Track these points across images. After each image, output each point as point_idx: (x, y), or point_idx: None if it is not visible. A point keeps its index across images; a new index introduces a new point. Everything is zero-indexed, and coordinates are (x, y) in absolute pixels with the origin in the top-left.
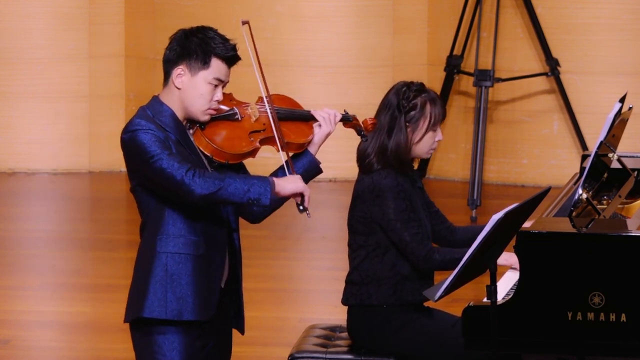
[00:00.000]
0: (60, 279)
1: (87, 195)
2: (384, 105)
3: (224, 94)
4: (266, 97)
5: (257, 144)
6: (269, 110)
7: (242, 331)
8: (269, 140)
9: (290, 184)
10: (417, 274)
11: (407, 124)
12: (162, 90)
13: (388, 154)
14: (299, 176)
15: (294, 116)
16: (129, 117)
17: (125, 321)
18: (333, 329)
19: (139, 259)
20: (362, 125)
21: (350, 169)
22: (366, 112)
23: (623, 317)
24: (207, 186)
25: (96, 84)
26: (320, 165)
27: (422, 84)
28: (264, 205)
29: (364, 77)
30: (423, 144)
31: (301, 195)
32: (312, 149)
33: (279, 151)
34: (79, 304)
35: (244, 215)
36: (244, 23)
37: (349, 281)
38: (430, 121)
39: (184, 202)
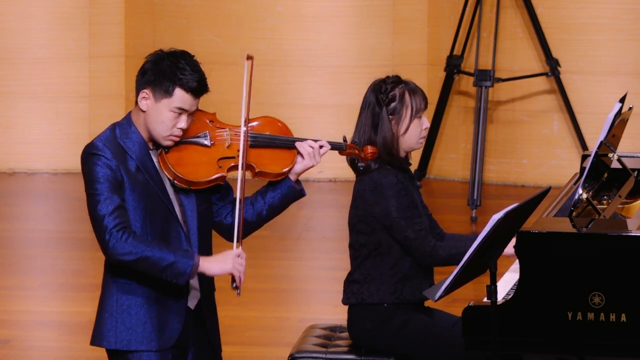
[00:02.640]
0: (60, 279)
1: None
2: (364, 105)
3: (205, 113)
4: (244, 123)
5: (225, 172)
6: (241, 138)
7: (216, 349)
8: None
9: (217, 264)
10: (418, 272)
11: (390, 116)
12: (134, 106)
13: (379, 150)
14: (233, 252)
15: (275, 144)
16: None
17: (90, 344)
18: (333, 329)
19: (101, 286)
20: (362, 154)
21: (350, 169)
22: None
23: (623, 317)
24: (126, 253)
25: (96, 84)
26: (303, 190)
27: (397, 77)
28: (179, 285)
29: (364, 77)
30: (410, 134)
31: (231, 274)
32: (292, 176)
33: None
34: (79, 304)
35: (224, 234)
36: (248, 58)
37: (350, 280)
38: (412, 109)
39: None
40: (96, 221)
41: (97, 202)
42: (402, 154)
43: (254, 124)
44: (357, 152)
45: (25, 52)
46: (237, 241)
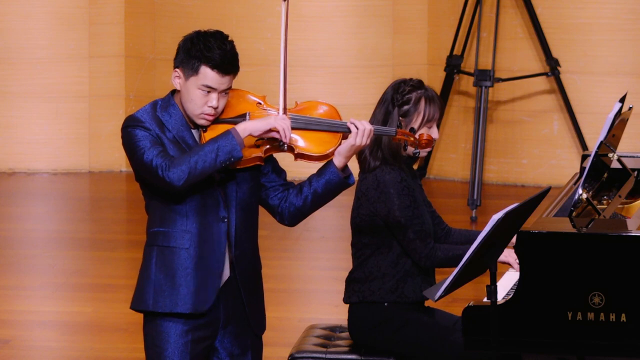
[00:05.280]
0: (60, 279)
1: (87, 195)
2: (381, 99)
3: (255, 95)
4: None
5: (262, 153)
6: (280, 114)
7: (257, 331)
8: (278, 150)
9: (260, 121)
10: (419, 271)
11: (401, 118)
12: None
13: (382, 147)
14: (275, 112)
15: (319, 126)
16: None
17: (130, 307)
18: (333, 329)
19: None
20: (417, 141)
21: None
22: (366, 112)
23: (623, 317)
24: (179, 177)
25: (96, 84)
26: (351, 177)
27: (420, 81)
28: (238, 159)
29: (364, 77)
30: None
31: (277, 131)
32: (338, 162)
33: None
34: (79, 304)
35: (277, 217)
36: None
37: (351, 279)
38: (423, 118)
39: (171, 193)
40: (147, 168)
41: (142, 154)
42: (405, 155)
43: (300, 108)
44: (411, 139)
45: (25, 52)
46: (283, 108)
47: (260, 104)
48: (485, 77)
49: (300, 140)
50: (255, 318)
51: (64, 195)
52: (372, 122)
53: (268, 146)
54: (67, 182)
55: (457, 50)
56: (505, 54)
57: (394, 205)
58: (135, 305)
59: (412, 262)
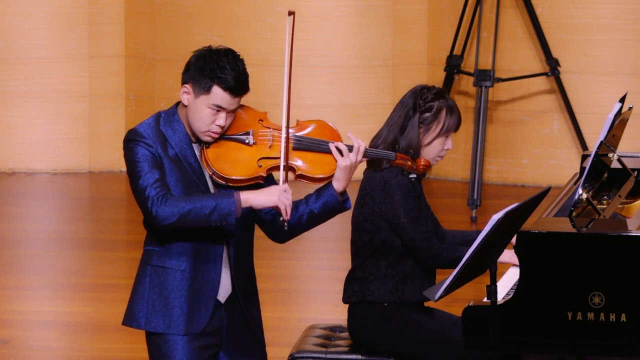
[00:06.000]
0: (60, 279)
1: (87, 195)
2: (400, 104)
3: (256, 112)
4: (285, 126)
5: (264, 172)
6: (282, 139)
7: (260, 343)
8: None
9: (263, 195)
10: (420, 272)
11: (420, 124)
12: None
13: (398, 151)
14: (279, 187)
15: (320, 148)
16: (129, 117)
17: (122, 323)
18: (333, 329)
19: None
20: (414, 165)
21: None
22: (366, 112)
23: (623, 317)
24: (169, 216)
25: (96, 84)
26: (348, 202)
27: (442, 90)
28: (230, 225)
29: (364, 77)
30: (432, 148)
31: (278, 208)
32: (336, 184)
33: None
34: (79, 304)
35: (268, 234)
36: (290, 13)
37: (351, 279)
38: (442, 127)
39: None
40: (139, 194)
41: (138, 178)
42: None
43: (307, 128)
44: (409, 163)
45: (25, 52)
46: (284, 179)
47: (261, 120)
48: (485, 77)
49: (300, 161)
50: (259, 329)
51: (64, 195)
52: (389, 123)
53: (271, 165)
54: (67, 182)
55: (457, 50)
56: (505, 54)
57: (400, 206)
58: (128, 322)
59: (413, 264)
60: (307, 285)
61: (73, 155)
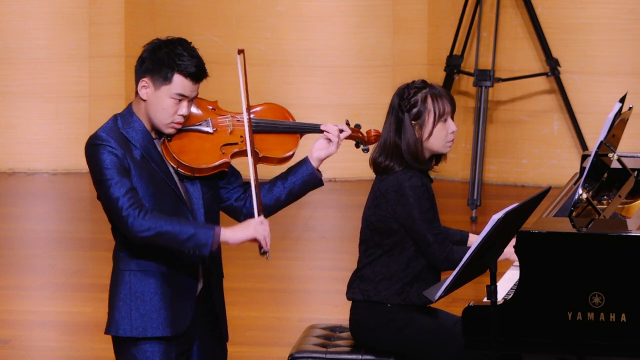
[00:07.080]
0: (60, 279)
1: (87, 195)
2: (389, 109)
3: (207, 101)
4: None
5: (228, 158)
6: (246, 123)
7: (224, 337)
8: (243, 154)
9: (240, 231)
10: (428, 276)
11: (413, 122)
12: (135, 97)
13: (404, 155)
14: (256, 220)
15: (278, 129)
16: None
17: (105, 333)
18: (333, 329)
19: (111, 275)
20: (365, 137)
21: (350, 169)
22: (366, 112)
23: (623, 317)
24: (145, 230)
25: (96, 84)
26: (322, 178)
27: (422, 81)
28: (202, 256)
29: (364, 77)
30: (435, 138)
31: (257, 240)
32: (314, 163)
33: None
34: (79, 304)
35: (239, 217)
36: (239, 52)
37: (358, 276)
38: (435, 114)
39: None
40: (111, 204)
41: (108, 187)
42: (427, 155)
43: (256, 109)
44: (360, 135)
45: (25, 52)
46: (258, 210)
47: (214, 109)
48: (485, 77)
49: (262, 144)
50: (224, 325)
51: (64, 195)
52: (385, 132)
53: (235, 150)
54: (67, 182)
55: (457, 50)
56: (505, 54)
57: (414, 208)
58: (111, 331)
59: (422, 267)
60: (307, 285)
61: (73, 155)
